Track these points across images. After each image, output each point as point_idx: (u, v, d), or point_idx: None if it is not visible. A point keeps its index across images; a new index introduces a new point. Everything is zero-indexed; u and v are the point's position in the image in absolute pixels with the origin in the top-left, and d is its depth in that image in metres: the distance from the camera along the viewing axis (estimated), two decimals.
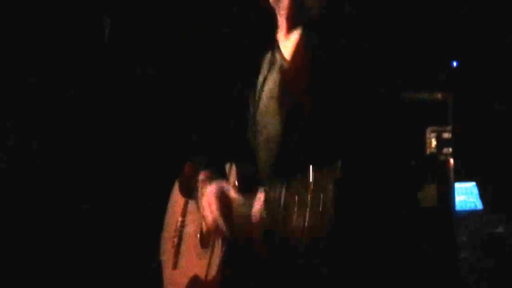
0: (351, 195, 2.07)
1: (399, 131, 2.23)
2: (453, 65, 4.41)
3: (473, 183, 4.63)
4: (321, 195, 1.95)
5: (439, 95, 4.16)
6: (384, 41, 2.27)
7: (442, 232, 4.05)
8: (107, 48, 3.05)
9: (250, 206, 2.29)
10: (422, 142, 4.04)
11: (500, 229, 4.42)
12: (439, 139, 4.16)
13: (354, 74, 2.21)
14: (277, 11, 2.42)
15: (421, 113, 4.11)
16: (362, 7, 2.33)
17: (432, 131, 4.20)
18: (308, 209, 1.97)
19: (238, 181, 2.43)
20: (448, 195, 4.11)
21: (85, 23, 4.02)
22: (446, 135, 4.18)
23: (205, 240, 2.58)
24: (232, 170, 2.49)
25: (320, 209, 1.95)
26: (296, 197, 2.01)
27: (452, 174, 4.09)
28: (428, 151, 3.91)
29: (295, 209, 2.00)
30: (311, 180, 1.96)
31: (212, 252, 2.52)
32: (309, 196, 1.96)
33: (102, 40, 2.94)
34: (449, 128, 4.20)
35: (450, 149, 3.92)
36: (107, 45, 2.86)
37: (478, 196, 4.61)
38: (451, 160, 4.05)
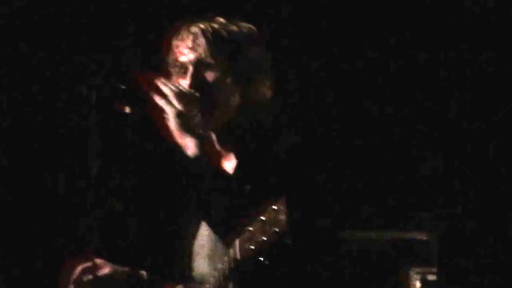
0: None
1: None
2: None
3: None
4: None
5: (424, 235, 4.06)
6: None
7: None
8: None
9: None
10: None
11: None
12: (423, 281, 4.03)
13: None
14: None
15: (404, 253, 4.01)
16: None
17: (417, 272, 4.07)
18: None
19: None
20: None
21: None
22: (431, 277, 4.06)
23: None
24: None
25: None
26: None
27: None
28: None
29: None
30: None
31: None
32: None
33: None
34: (434, 269, 4.08)
35: None
36: None
37: None
38: None
